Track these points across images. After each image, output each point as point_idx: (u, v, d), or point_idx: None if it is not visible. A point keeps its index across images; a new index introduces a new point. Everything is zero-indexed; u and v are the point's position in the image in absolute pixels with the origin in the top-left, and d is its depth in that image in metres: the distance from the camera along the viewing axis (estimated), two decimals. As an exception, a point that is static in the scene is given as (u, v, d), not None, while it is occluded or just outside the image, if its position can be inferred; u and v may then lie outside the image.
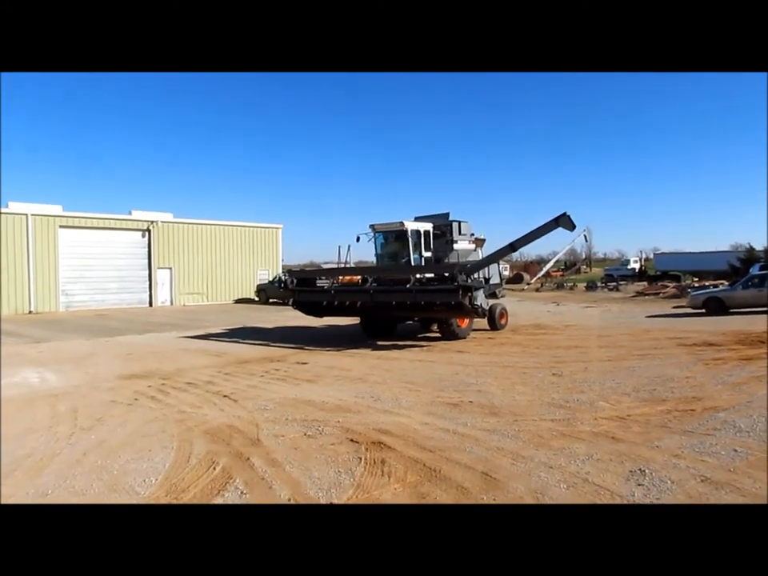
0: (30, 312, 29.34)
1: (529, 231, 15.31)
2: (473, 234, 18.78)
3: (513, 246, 15.72)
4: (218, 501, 4.85)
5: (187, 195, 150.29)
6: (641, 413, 7.25)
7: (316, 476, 5.36)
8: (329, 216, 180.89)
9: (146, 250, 34.20)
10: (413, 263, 16.73)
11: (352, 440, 6.54)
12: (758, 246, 45.05)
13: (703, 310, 21.01)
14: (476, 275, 14.46)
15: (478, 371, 10.94)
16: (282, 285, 18.21)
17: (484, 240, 19.32)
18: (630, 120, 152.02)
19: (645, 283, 45.24)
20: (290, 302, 17.63)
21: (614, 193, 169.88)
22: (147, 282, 34.26)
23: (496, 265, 18.63)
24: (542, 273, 57.17)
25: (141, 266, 34.08)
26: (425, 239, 17.01)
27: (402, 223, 16.86)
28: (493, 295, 18.16)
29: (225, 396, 9.20)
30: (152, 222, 34.18)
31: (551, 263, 59.78)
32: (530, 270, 71.70)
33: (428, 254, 17.09)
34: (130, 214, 34.29)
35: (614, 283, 43.48)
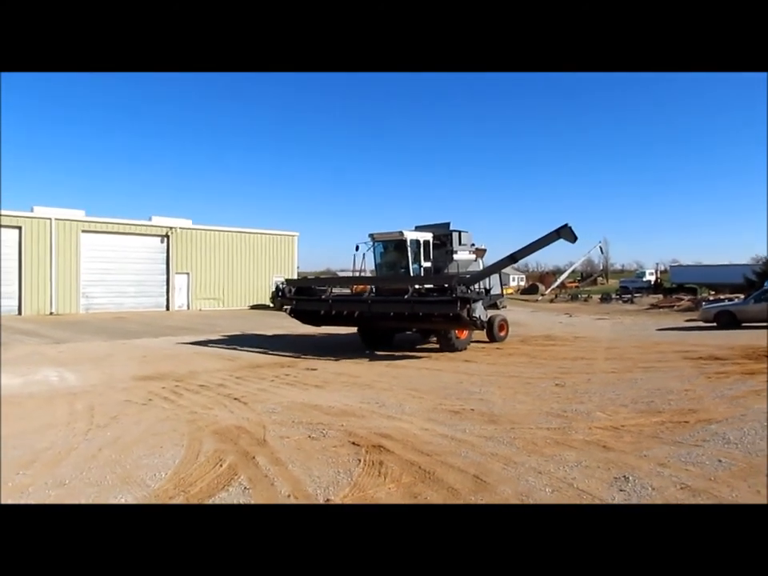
0: (52, 313, 30.04)
1: (530, 242, 15.29)
2: (473, 245, 18.60)
3: (513, 257, 15.67)
4: (222, 495, 5.15)
5: (206, 202, 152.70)
6: (635, 423, 7.46)
7: (316, 475, 5.65)
8: (346, 223, 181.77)
9: (165, 255, 34.87)
10: (412, 273, 16.61)
11: (353, 443, 6.82)
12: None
13: (715, 324, 21.04)
14: (476, 286, 14.30)
15: (483, 380, 11.17)
16: (280, 294, 17.74)
17: (485, 250, 19.18)
18: (653, 127, 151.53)
19: (660, 296, 45.08)
20: (288, 311, 17.39)
21: (633, 203, 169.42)
22: (165, 287, 34.91)
23: (497, 275, 18.45)
24: (557, 284, 57.11)
25: (159, 271, 34.74)
26: (424, 249, 16.86)
27: (401, 233, 16.75)
28: (493, 306, 18.03)
29: (235, 398, 9.52)
30: (171, 227, 34.85)
31: (565, 274, 59.68)
32: (545, 280, 71.58)
33: (427, 264, 16.93)
34: (149, 219, 34.98)
35: (629, 295, 43.42)
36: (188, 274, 35.59)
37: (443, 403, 9.07)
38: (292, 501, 5.05)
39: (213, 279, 36.75)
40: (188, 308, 35.43)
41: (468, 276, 15.36)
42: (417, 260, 16.70)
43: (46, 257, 30.25)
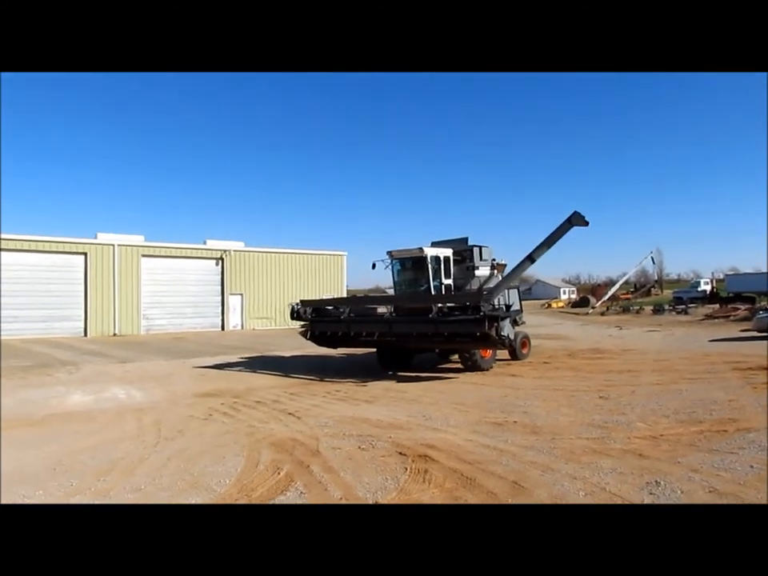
0: (115, 334, 31.59)
1: (544, 238, 14.94)
2: (494, 259, 17.91)
3: (531, 258, 14.98)
4: (281, 498, 5.68)
5: (258, 225, 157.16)
6: (674, 433, 7.68)
7: (366, 481, 6.12)
8: (395, 241, 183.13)
9: (219, 277, 36.31)
10: (432, 291, 16.01)
11: (401, 453, 7.26)
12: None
13: (768, 334, 20.64)
14: (498, 300, 13.73)
15: (527, 394, 11.44)
16: (296, 315, 16.74)
17: (505, 265, 18.25)
18: (706, 130, 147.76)
19: (716, 306, 43.92)
20: (306, 334, 16.72)
21: (690, 211, 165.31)
22: (220, 307, 36.29)
23: (516, 291, 18.12)
24: (608, 296, 56.14)
25: (214, 292, 36.16)
26: (445, 266, 16.29)
27: (420, 249, 16.16)
28: (513, 322, 16.83)
29: (289, 413, 10.09)
30: (225, 250, 36.28)
31: (617, 286, 58.61)
32: (596, 292, 70.35)
33: (448, 282, 16.37)
34: (204, 243, 36.52)
35: (683, 306, 42.44)
36: (241, 294, 36.86)
37: (487, 416, 9.42)
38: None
39: (265, 299, 37.89)
40: (242, 327, 36.60)
41: (492, 288, 14.91)
42: (437, 277, 16.17)
43: (110, 281, 31.94)
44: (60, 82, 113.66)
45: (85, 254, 31.39)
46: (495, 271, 17.53)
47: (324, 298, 35.30)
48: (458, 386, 12.82)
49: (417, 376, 14.56)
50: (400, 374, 15.04)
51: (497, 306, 13.21)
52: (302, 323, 17.06)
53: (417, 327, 14.09)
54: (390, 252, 17.03)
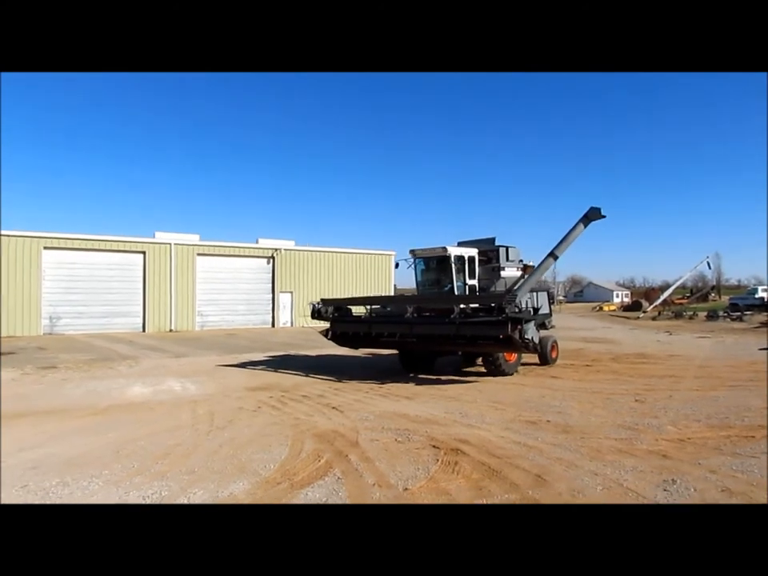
0: (171, 330, 32.98)
1: (564, 235, 15.03)
2: (521, 261, 17.35)
3: (554, 255, 14.86)
4: (320, 482, 6.20)
5: (308, 224, 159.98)
6: (701, 437, 7.87)
7: (398, 470, 6.59)
8: (449, 240, 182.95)
9: (270, 275, 37.40)
10: (456, 292, 15.59)
11: (434, 446, 7.69)
12: None
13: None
14: (525, 302, 13.27)
15: (564, 395, 11.68)
16: (316, 314, 16.43)
17: (533, 267, 17.37)
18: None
19: (774, 313, 42.52)
20: (327, 334, 16.39)
21: (752, 213, 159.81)
22: (271, 305, 37.38)
23: (545, 294, 17.77)
24: (660, 300, 54.90)
25: (265, 290, 37.29)
26: (469, 266, 15.90)
27: (444, 248, 15.68)
28: (542, 326, 16.79)
29: (333, 408, 10.64)
30: (276, 249, 37.34)
31: (669, 290, 57.08)
32: (650, 296, 68.93)
33: (472, 282, 15.99)
34: (256, 242, 37.67)
35: (738, 313, 41.26)
36: (291, 292, 37.84)
37: (522, 415, 9.75)
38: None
39: (315, 297, 38.51)
40: (291, 325, 37.56)
41: (516, 287, 14.77)
42: (461, 277, 15.79)
43: (167, 278, 33.35)
44: (127, 82, 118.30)
45: (143, 252, 32.87)
46: (523, 273, 16.93)
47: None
48: (498, 386, 13.11)
49: (455, 377, 14.91)
50: (441, 374, 15.41)
51: (523, 309, 12.88)
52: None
53: (438, 329, 13.80)
54: (413, 251, 16.63)
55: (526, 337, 12.40)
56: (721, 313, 42.06)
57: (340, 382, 14.06)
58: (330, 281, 39.40)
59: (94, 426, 9.36)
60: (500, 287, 16.37)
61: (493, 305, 12.89)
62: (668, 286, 60.15)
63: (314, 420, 9.56)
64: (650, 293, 77.88)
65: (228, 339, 28.03)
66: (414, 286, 17.46)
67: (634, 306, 62.09)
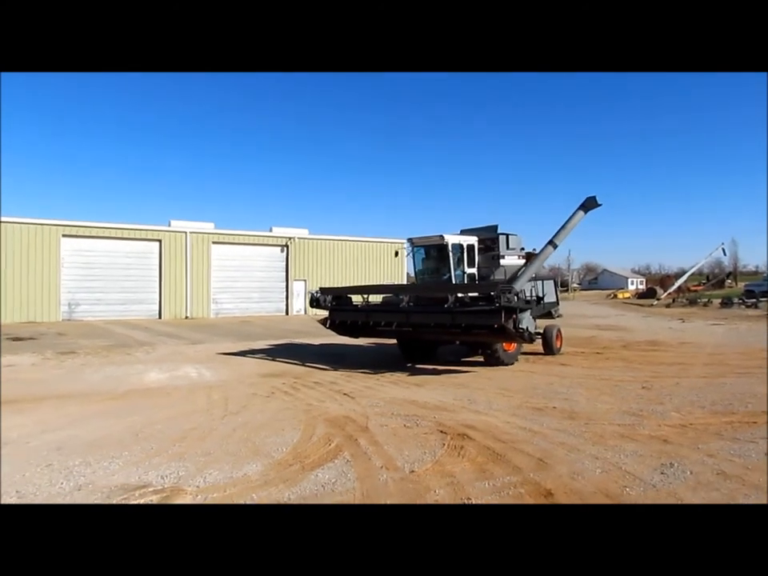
0: (187, 317, 33.51)
1: (562, 224, 15.25)
2: (522, 249, 17.06)
3: (553, 244, 14.92)
4: (330, 464, 6.46)
5: (321, 212, 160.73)
6: (704, 422, 8.03)
7: (406, 454, 6.83)
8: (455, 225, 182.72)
9: (284, 263, 37.81)
10: (454, 280, 15.36)
11: (441, 431, 7.92)
12: None
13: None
14: (524, 291, 12.93)
15: (572, 382, 11.84)
16: (315, 303, 16.39)
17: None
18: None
19: (790, 300, 42.19)
20: (325, 323, 16.40)
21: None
22: (284, 293, 37.83)
23: (551, 282, 17.68)
24: (674, 287, 54.61)
25: (279, 278, 37.73)
26: (468, 254, 15.66)
27: (441, 236, 15.45)
28: (548, 315, 16.97)
29: (344, 394, 10.91)
30: (290, 237, 37.70)
31: (684, 277, 56.76)
32: (665, 283, 68.50)
33: (471, 271, 15.78)
34: (270, 230, 38.02)
35: (754, 300, 41.01)
36: (305, 280, 38.19)
37: (529, 401, 9.95)
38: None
39: (327, 285, 39.00)
40: (305, 312, 37.91)
41: (513, 278, 14.68)
42: (459, 266, 15.57)
43: (182, 266, 33.81)
44: (144, 80, 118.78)
45: (159, 240, 33.33)
46: (525, 261, 16.71)
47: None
48: (507, 374, 13.29)
49: (465, 365, 15.12)
50: (450, 359, 15.62)
51: (522, 298, 12.45)
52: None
53: (434, 318, 13.63)
54: (411, 239, 16.45)
55: (520, 326, 12.26)
56: (736, 300, 41.82)
57: (350, 370, 14.32)
58: (343, 269, 39.69)
59: (114, 409, 9.68)
60: (499, 276, 16.06)
61: (492, 293, 12.58)
62: (684, 273, 59.75)
63: (326, 406, 9.83)
64: (665, 280, 77.38)
65: (242, 327, 28.43)
66: (413, 274, 17.35)
67: (648, 293, 61.87)
